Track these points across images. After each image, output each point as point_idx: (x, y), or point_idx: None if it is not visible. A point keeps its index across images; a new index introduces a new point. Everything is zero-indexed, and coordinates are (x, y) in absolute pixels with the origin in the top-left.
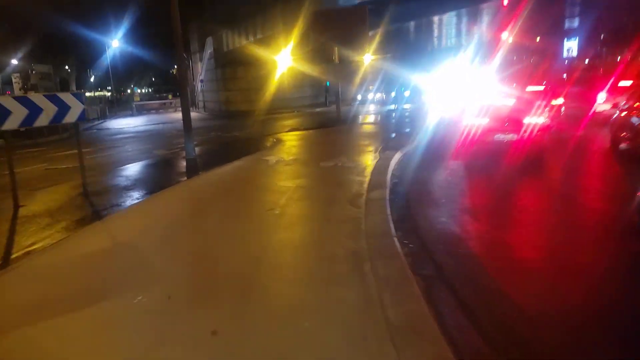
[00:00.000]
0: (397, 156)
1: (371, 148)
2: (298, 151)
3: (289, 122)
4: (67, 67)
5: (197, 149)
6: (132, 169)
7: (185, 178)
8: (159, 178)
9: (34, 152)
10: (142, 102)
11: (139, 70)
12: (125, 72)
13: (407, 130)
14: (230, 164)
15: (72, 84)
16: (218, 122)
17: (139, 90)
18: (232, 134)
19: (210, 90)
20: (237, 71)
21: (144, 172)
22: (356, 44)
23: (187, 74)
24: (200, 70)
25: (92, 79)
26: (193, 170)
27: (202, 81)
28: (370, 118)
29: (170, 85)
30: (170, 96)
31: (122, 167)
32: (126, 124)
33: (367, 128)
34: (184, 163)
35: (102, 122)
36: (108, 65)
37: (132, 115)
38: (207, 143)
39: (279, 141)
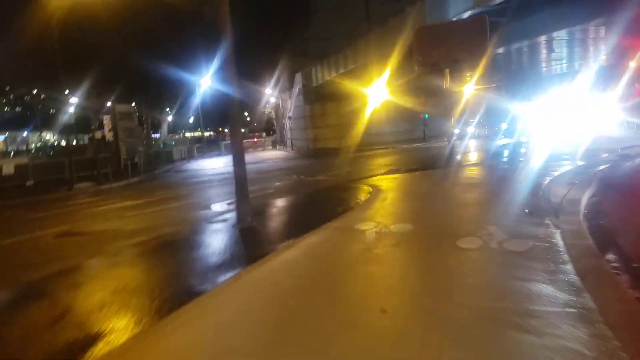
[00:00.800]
0: (583, 223)
1: (524, 203)
2: (407, 210)
3: (384, 161)
4: (161, 108)
5: (268, 200)
6: (151, 245)
7: (218, 276)
8: (172, 278)
9: (81, 205)
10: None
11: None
12: (218, 112)
13: (556, 171)
14: (303, 238)
15: (164, 124)
16: (303, 162)
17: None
18: (317, 177)
19: (298, 127)
20: (326, 107)
21: (166, 251)
22: (476, 56)
23: (278, 112)
24: (290, 107)
25: (190, 120)
26: (240, 251)
27: (290, 118)
28: (485, 155)
29: (265, 124)
30: (263, 134)
31: (141, 239)
32: (208, 165)
33: (490, 169)
34: (234, 233)
35: (185, 163)
36: (198, 105)
37: (219, 155)
38: (283, 192)
39: (376, 190)
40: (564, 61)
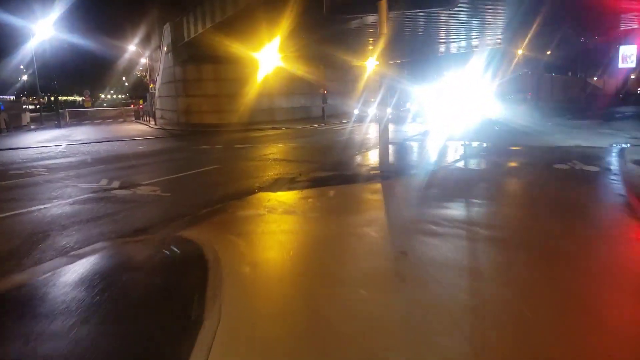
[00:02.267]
0: None
1: None
2: None
3: (274, 152)
4: None
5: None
6: None
7: None
8: None
9: None
10: (86, 109)
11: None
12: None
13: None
14: None
15: None
16: (158, 147)
17: (105, 96)
18: (137, 186)
19: (168, 95)
20: (202, 70)
21: None
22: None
23: (151, 76)
24: (159, 69)
25: (25, 78)
26: None
27: (154, 82)
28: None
29: (142, 92)
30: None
31: None
32: (25, 143)
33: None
34: None
35: None
36: (33, 59)
37: (57, 127)
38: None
39: (247, 240)
40: (462, 39)
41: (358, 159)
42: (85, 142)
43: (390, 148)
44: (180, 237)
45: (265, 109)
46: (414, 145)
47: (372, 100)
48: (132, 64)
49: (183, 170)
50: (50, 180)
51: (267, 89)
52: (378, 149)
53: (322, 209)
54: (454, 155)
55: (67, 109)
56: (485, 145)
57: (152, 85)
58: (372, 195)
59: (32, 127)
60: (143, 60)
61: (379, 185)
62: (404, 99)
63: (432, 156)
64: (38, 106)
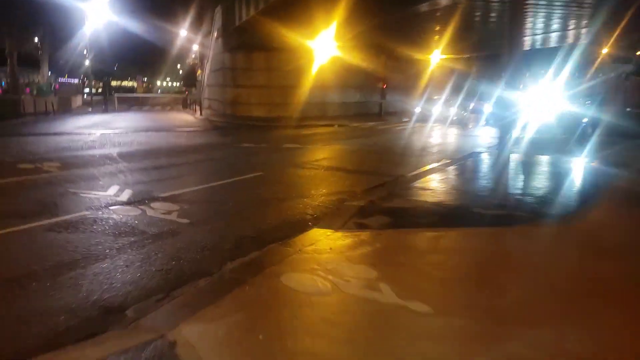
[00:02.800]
0: None
1: None
2: None
3: (328, 156)
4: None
5: None
6: None
7: None
8: None
9: None
10: (137, 96)
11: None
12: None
13: None
14: None
15: (44, 62)
16: (197, 141)
17: (161, 84)
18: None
19: (216, 84)
20: (252, 58)
21: None
22: None
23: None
24: (209, 56)
25: (87, 62)
26: None
27: (205, 71)
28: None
29: (194, 80)
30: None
31: None
32: (63, 128)
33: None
34: None
35: (32, 122)
36: (87, 44)
37: (104, 112)
38: None
39: None
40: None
41: (444, 177)
42: (123, 131)
43: (483, 162)
44: (173, 343)
45: (317, 103)
46: (518, 161)
47: (436, 97)
48: (185, 50)
49: (217, 177)
50: (52, 182)
51: (320, 81)
52: (464, 161)
53: (438, 295)
54: (597, 181)
55: (117, 95)
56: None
57: (199, 72)
58: (526, 259)
59: (80, 111)
60: (195, 47)
61: (520, 240)
62: (473, 98)
63: (563, 182)
64: (99, 90)
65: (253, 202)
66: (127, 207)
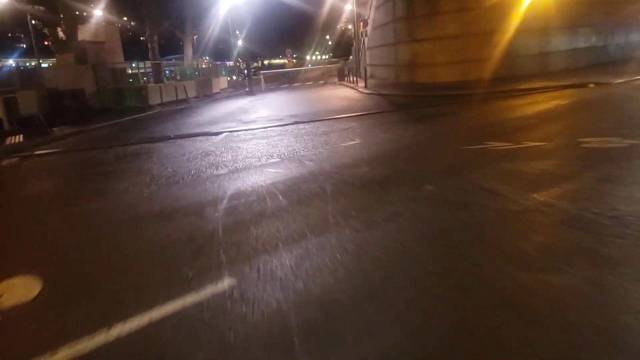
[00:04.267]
0: None
1: None
2: None
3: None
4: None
5: None
6: None
7: None
8: None
9: None
10: (287, 70)
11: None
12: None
13: None
14: None
15: (188, 44)
16: (376, 140)
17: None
18: None
19: (381, 44)
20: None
21: None
22: None
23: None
24: (369, 15)
25: (239, 43)
26: None
27: (364, 33)
28: None
29: (345, 50)
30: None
31: None
32: (178, 125)
33: None
34: None
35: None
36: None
37: (248, 94)
38: None
39: None
40: None
41: None
42: (260, 125)
43: None
44: None
45: (533, 54)
46: None
47: None
48: (335, 15)
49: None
50: None
51: (536, 20)
52: None
53: None
54: None
55: (262, 72)
56: None
57: (354, 38)
58: None
59: (220, 96)
60: (348, 7)
61: None
62: None
63: None
64: (245, 70)
65: None
66: None
